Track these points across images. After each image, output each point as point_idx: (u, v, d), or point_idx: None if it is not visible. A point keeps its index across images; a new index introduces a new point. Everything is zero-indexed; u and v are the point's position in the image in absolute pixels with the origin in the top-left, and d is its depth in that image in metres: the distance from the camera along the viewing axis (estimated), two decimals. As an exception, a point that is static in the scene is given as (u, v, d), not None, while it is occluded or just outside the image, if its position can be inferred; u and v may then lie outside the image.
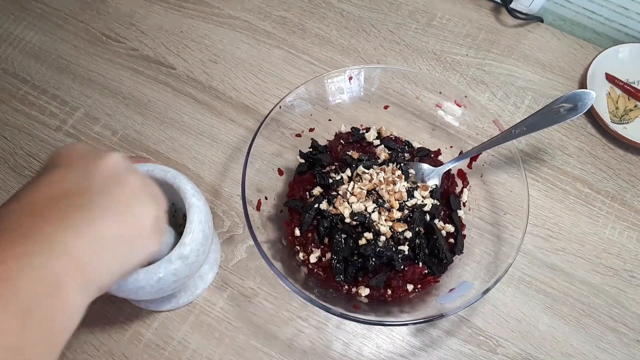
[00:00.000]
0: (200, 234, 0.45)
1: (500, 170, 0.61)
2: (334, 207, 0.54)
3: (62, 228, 0.30)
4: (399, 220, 0.54)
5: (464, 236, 0.58)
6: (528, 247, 0.62)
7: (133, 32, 0.75)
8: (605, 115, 0.69)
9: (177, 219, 0.53)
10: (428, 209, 0.56)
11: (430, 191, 0.58)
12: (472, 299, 0.49)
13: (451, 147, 0.64)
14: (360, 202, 0.54)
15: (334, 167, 0.59)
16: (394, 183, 0.56)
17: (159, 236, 0.37)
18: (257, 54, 0.74)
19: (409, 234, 0.54)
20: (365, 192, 0.55)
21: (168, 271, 0.43)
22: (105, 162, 0.35)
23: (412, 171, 0.59)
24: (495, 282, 0.50)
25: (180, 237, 0.45)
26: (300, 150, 0.61)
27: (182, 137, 0.68)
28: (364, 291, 0.53)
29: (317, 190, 0.58)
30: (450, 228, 0.57)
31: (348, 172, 0.57)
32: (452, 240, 0.57)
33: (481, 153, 0.60)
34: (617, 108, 0.71)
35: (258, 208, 0.57)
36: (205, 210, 0.47)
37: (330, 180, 0.57)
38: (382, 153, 0.60)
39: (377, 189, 0.55)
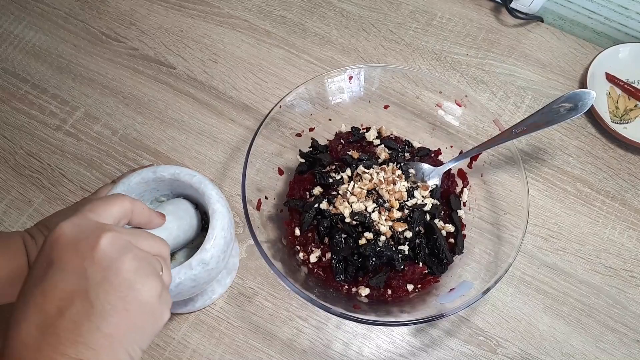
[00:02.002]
0: (222, 240, 0.45)
1: (500, 169, 0.61)
2: (334, 206, 0.54)
3: (75, 345, 0.31)
4: (399, 220, 0.54)
5: (464, 236, 0.58)
6: (528, 246, 0.62)
7: (133, 32, 0.75)
8: (605, 115, 0.69)
9: (199, 213, 0.52)
10: (428, 209, 0.56)
11: (430, 191, 0.58)
12: (472, 298, 0.49)
13: (451, 146, 0.64)
14: (361, 202, 0.54)
15: (334, 167, 0.59)
16: (394, 183, 0.55)
17: (167, 305, 0.37)
18: (257, 53, 0.74)
19: (409, 234, 0.54)
20: (366, 191, 0.55)
21: (188, 276, 0.43)
22: (97, 252, 0.34)
23: (412, 171, 0.59)
24: (496, 282, 0.50)
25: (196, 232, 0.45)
26: (300, 150, 0.61)
27: (182, 137, 0.68)
28: (364, 291, 0.53)
29: (317, 190, 0.57)
30: (450, 228, 0.57)
31: (348, 171, 0.57)
32: (452, 240, 0.57)
33: (481, 153, 0.60)
34: (617, 108, 0.71)
35: (258, 208, 0.57)
36: (229, 217, 0.47)
37: (331, 180, 0.57)
38: (382, 153, 0.60)
39: (377, 188, 0.55)
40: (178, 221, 0.46)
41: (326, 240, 0.55)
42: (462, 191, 0.62)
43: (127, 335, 0.33)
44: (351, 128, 0.63)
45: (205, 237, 0.45)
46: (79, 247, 0.34)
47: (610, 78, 0.72)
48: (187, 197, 0.51)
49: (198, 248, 0.45)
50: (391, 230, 0.53)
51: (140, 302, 0.34)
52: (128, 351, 0.33)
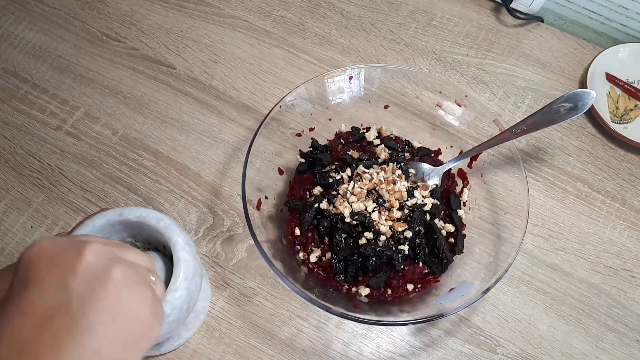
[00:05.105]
0: (185, 291, 0.43)
1: (500, 169, 0.61)
2: (334, 206, 0.54)
3: None
4: (399, 219, 0.54)
5: (464, 236, 0.58)
6: (528, 246, 0.62)
7: (133, 32, 0.75)
8: (605, 114, 0.69)
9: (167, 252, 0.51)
10: (428, 209, 0.56)
11: (430, 191, 0.58)
12: (472, 298, 0.49)
13: (451, 146, 0.64)
14: (361, 202, 0.54)
15: (334, 167, 0.59)
16: (394, 182, 0.56)
17: (159, 318, 0.35)
18: (257, 53, 0.74)
19: (409, 234, 0.54)
20: (366, 191, 0.55)
21: None
22: (81, 263, 0.31)
23: (412, 171, 0.59)
24: (496, 282, 0.50)
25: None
26: (300, 150, 0.61)
27: (183, 137, 0.68)
28: (364, 291, 0.53)
29: (317, 190, 0.57)
30: (450, 228, 0.57)
31: (348, 171, 0.57)
32: (452, 239, 0.57)
33: (481, 152, 0.60)
34: (617, 108, 0.71)
35: (258, 207, 0.57)
36: (194, 265, 0.45)
37: (331, 180, 0.57)
38: (382, 152, 0.60)
39: (377, 188, 0.55)
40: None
41: (326, 240, 0.55)
42: (462, 191, 0.62)
43: (116, 350, 0.31)
44: (351, 128, 0.63)
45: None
46: (59, 261, 0.31)
47: (610, 78, 0.72)
48: (154, 239, 0.49)
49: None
50: (391, 230, 0.53)
51: (130, 315, 0.32)
52: None
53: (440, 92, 0.63)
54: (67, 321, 0.30)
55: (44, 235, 0.32)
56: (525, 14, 0.77)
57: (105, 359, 0.30)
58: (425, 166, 0.60)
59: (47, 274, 0.31)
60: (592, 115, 0.69)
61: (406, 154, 0.62)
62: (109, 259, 0.33)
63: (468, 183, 0.62)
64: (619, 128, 0.68)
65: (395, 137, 0.64)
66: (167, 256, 0.50)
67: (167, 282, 0.45)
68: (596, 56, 0.72)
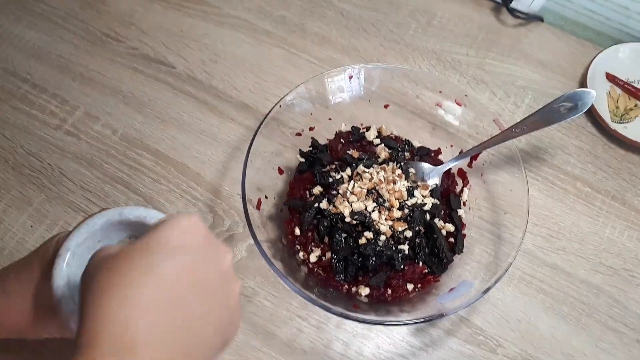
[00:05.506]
0: None
1: (500, 169, 0.60)
2: (334, 206, 0.54)
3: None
4: (399, 219, 0.54)
5: (464, 235, 0.58)
6: (528, 246, 0.62)
7: (133, 31, 0.75)
8: (605, 114, 0.69)
9: None
10: (428, 208, 0.56)
11: (430, 190, 0.58)
12: (472, 298, 0.49)
13: (451, 146, 0.64)
14: (361, 201, 0.54)
15: (334, 166, 0.59)
16: (394, 182, 0.55)
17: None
18: (257, 53, 0.74)
19: (409, 233, 0.54)
20: (366, 191, 0.55)
21: None
22: (222, 259, 0.35)
23: (412, 170, 0.59)
24: (496, 282, 0.50)
25: None
26: (300, 149, 0.61)
27: (182, 136, 0.68)
28: (364, 290, 0.53)
29: (317, 190, 0.57)
30: (450, 227, 0.57)
31: (348, 171, 0.57)
32: (452, 239, 0.57)
33: (481, 152, 0.60)
34: (617, 107, 0.71)
35: (258, 207, 0.57)
36: None
37: (331, 180, 0.57)
38: (382, 152, 0.60)
39: (377, 188, 0.55)
40: None
41: (326, 239, 0.55)
42: (462, 191, 0.62)
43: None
44: (351, 127, 0.63)
45: None
46: (207, 245, 0.34)
47: (611, 78, 0.72)
48: None
49: None
50: (391, 230, 0.53)
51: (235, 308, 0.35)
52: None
53: (440, 92, 0.63)
54: (213, 285, 0.33)
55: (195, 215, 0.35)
56: (525, 13, 0.77)
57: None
58: (425, 166, 0.60)
59: (198, 249, 0.33)
60: (592, 115, 0.69)
61: (406, 154, 0.62)
62: (233, 272, 0.36)
63: (468, 183, 0.62)
64: (619, 128, 0.68)
65: (395, 136, 0.64)
66: None
67: None
68: (596, 56, 0.72)
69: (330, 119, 0.64)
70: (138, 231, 0.49)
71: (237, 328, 0.36)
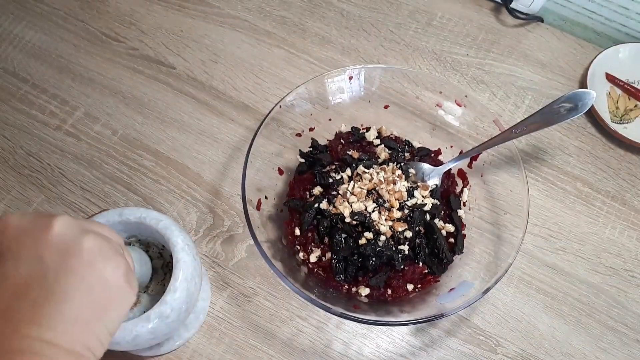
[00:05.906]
0: (185, 292, 0.43)
1: (500, 169, 0.61)
2: (334, 206, 0.54)
3: (37, 326, 0.29)
4: (399, 219, 0.54)
5: (464, 236, 0.58)
6: (528, 246, 0.62)
7: (133, 32, 0.75)
8: (605, 115, 0.69)
9: (164, 257, 0.51)
10: (428, 209, 0.56)
11: (430, 191, 0.58)
12: (472, 298, 0.49)
13: (451, 146, 0.64)
14: (361, 202, 0.54)
15: (334, 167, 0.59)
16: (394, 183, 0.55)
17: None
18: (257, 53, 0.74)
19: (409, 234, 0.54)
20: (366, 191, 0.55)
21: (145, 329, 0.41)
22: (51, 234, 0.32)
23: (412, 171, 0.59)
24: (496, 282, 0.50)
25: (160, 276, 0.43)
26: (300, 150, 0.61)
27: (183, 137, 0.68)
28: (364, 291, 0.53)
29: (317, 190, 0.57)
30: (450, 228, 0.57)
31: (348, 171, 0.57)
32: (452, 239, 0.57)
33: (481, 153, 0.60)
34: (617, 108, 0.71)
35: (258, 207, 0.57)
36: (194, 265, 0.44)
37: (331, 180, 0.57)
38: (382, 152, 0.60)
39: (377, 188, 0.55)
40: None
41: (326, 240, 0.55)
42: (462, 191, 0.62)
43: (94, 318, 0.32)
44: (351, 128, 0.63)
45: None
46: (29, 234, 0.32)
47: (611, 78, 0.72)
48: (154, 239, 0.50)
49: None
50: (391, 230, 0.53)
51: (105, 282, 0.33)
52: (97, 335, 0.32)
53: (440, 92, 0.63)
54: (44, 290, 0.31)
55: (8, 213, 0.33)
56: (525, 14, 0.77)
57: (83, 326, 0.31)
58: (425, 166, 0.60)
59: (19, 246, 0.32)
60: (592, 115, 0.69)
61: (406, 154, 0.62)
62: (79, 231, 0.33)
63: (468, 183, 0.62)
64: (619, 128, 0.68)
65: (395, 137, 0.64)
66: (167, 256, 0.50)
67: (145, 277, 0.45)
68: (596, 56, 0.72)
69: (330, 119, 0.64)
70: (138, 232, 0.49)
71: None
